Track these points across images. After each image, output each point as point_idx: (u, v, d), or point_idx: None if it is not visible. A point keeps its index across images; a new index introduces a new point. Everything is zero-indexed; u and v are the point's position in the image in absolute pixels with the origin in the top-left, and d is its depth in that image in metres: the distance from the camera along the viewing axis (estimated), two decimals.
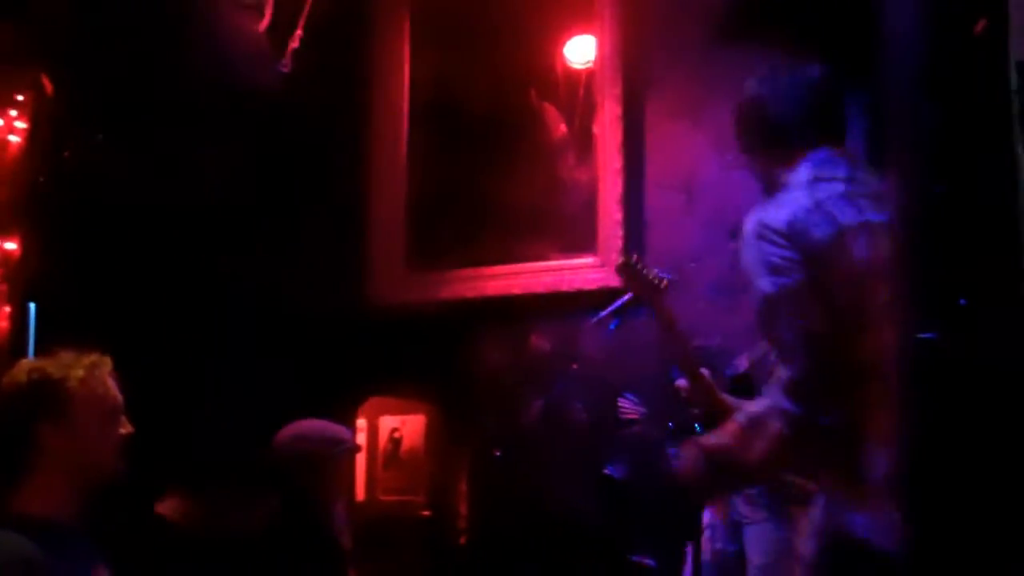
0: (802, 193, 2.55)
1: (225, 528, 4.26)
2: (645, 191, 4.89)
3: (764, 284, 2.47)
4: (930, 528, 2.17)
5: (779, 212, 2.52)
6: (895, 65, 2.24)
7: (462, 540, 5.01)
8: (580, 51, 5.17)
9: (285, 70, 5.14)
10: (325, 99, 5.38)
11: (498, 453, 4.96)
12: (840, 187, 2.55)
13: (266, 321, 5.00)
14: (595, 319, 4.25)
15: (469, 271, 5.19)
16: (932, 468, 2.12)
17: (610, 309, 4.20)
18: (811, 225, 2.47)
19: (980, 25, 2.14)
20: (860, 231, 2.47)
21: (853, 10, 3.20)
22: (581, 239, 4.99)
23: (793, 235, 2.46)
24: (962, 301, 2.15)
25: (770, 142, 2.73)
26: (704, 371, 3.97)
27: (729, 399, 3.88)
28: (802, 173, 2.61)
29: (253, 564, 3.52)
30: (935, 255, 2.18)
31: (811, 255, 2.45)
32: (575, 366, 4.78)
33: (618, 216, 4.84)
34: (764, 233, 2.50)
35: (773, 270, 2.47)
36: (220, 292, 4.91)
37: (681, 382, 4.00)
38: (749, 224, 2.55)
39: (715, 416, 3.70)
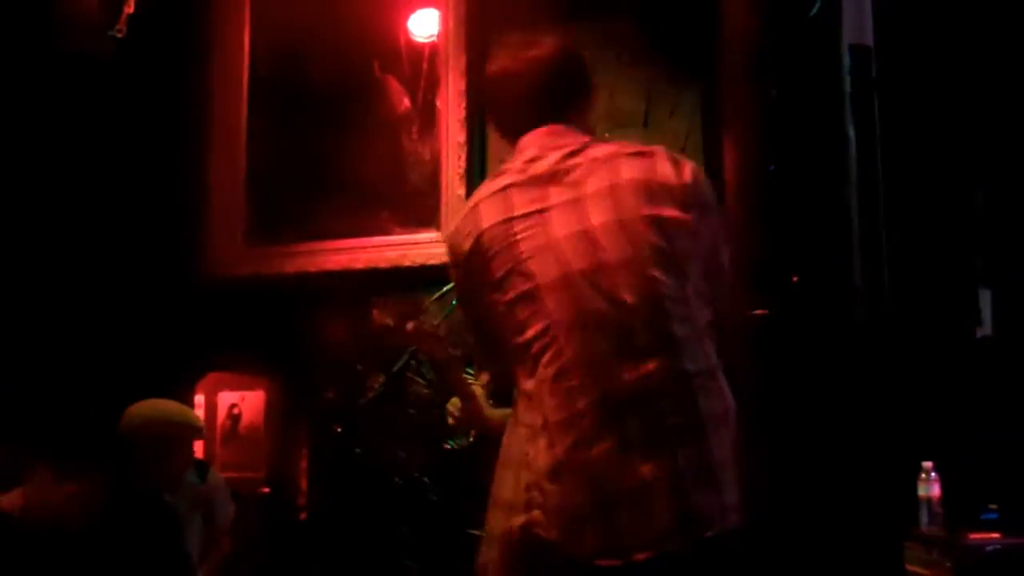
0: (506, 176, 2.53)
1: (61, 515, 4.14)
2: (488, 166, 4.89)
3: None
4: (766, 496, 2.21)
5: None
6: (732, 45, 2.27)
7: (302, 516, 4.96)
8: (424, 24, 5.13)
9: (119, 35, 4.98)
10: (161, 67, 5.26)
11: (339, 429, 4.93)
12: (542, 168, 2.50)
13: (99, 294, 4.87)
14: (438, 294, 4.23)
15: (310, 245, 5.13)
16: (765, 439, 2.17)
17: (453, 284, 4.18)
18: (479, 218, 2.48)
19: (815, 7, 2.18)
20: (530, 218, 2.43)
21: None
22: (424, 214, 4.97)
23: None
24: (794, 277, 2.20)
25: (500, 120, 2.69)
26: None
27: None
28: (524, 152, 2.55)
29: (91, 551, 3.43)
30: (768, 232, 2.22)
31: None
32: (417, 341, 4.76)
33: (461, 191, 4.84)
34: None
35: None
36: (51, 266, 4.77)
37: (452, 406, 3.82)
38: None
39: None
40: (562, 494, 2.13)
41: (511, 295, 2.30)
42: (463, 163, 4.88)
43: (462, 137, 4.90)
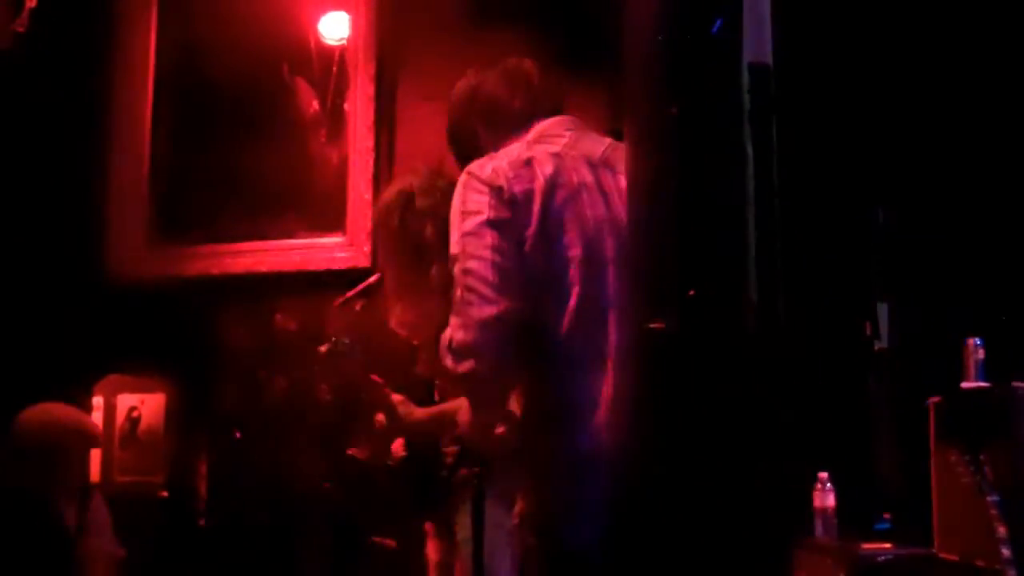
0: (518, 146, 2.63)
1: None
2: (395, 172, 4.89)
3: (455, 237, 2.54)
4: (654, 510, 2.24)
5: (488, 164, 2.59)
6: (633, 61, 2.29)
7: (201, 522, 4.91)
8: (334, 27, 5.11)
9: (20, 30, 4.89)
10: (64, 64, 5.17)
11: (239, 434, 4.88)
12: (556, 147, 2.63)
13: None
14: (343, 299, 4.21)
15: (214, 247, 5.09)
16: (657, 459, 2.19)
17: (358, 289, 4.17)
18: (514, 178, 2.54)
19: (716, 25, 2.20)
20: (564, 188, 2.54)
21: (601, 2, 3.28)
22: (330, 218, 4.96)
23: (494, 184, 2.53)
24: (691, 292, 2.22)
25: (498, 123, 2.77)
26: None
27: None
28: (529, 135, 2.69)
29: None
30: (666, 247, 2.25)
31: (509, 202, 2.51)
32: (321, 347, 4.74)
33: (368, 196, 4.83)
34: (469, 181, 2.56)
35: (467, 213, 2.53)
36: None
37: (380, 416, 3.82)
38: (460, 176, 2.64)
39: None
40: None
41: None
42: (370, 168, 4.88)
43: (370, 142, 4.89)
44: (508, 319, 2.44)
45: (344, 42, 5.06)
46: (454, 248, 2.58)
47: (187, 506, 4.95)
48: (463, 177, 2.62)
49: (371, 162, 4.88)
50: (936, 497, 4.05)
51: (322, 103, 5.08)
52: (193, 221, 5.18)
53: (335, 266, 4.80)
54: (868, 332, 4.85)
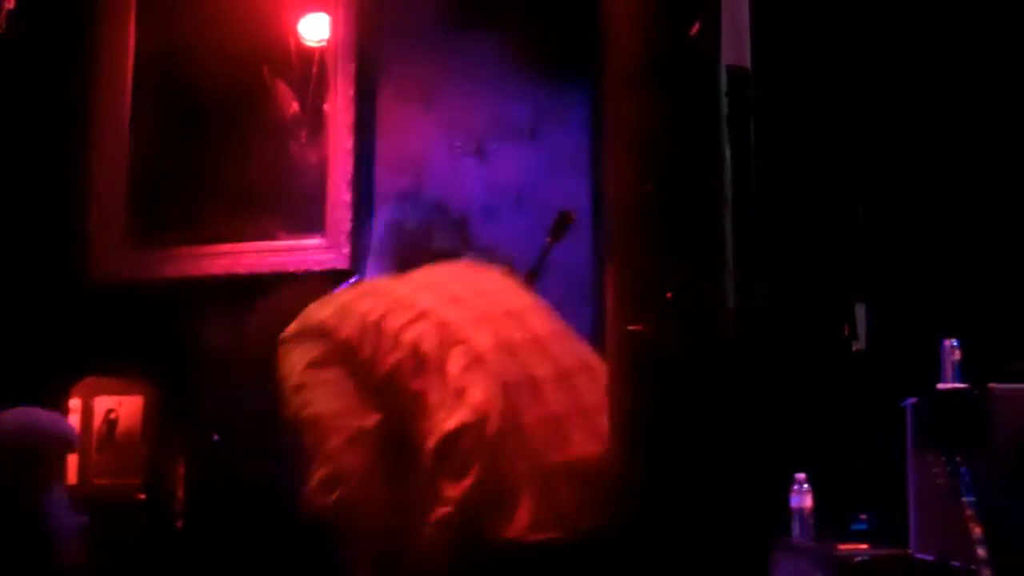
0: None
1: None
2: (375, 173, 4.89)
3: None
4: (640, 508, 2.25)
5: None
6: (614, 64, 2.30)
7: (178, 524, 4.89)
8: (314, 28, 5.11)
9: None
10: (43, 65, 5.16)
11: (217, 437, 4.87)
12: None
13: None
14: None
15: (193, 249, 5.08)
16: (639, 456, 2.20)
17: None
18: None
19: (695, 29, 2.22)
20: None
21: (579, 4, 3.29)
22: (309, 219, 4.95)
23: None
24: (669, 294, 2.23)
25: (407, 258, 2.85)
26: None
27: None
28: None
29: None
30: (645, 249, 2.26)
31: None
32: None
33: (347, 197, 4.83)
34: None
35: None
36: None
37: None
38: None
39: None
40: None
41: None
42: (350, 169, 4.87)
43: (350, 143, 4.89)
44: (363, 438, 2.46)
45: (324, 43, 5.07)
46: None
47: (165, 508, 4.94)
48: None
49: (351, 164, 4.88)
50: (912, 498, 4.09)
51: (302, 104, 5.08)
52: (173, 223, 5.17)
53: (314, 267, 4.79)
54: (846, 333, 4.88)
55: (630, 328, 2.24)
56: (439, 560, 2.38)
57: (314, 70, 5.06)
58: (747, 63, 2.28)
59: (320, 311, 2.62)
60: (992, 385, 3.88)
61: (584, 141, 4.55)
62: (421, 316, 2.50)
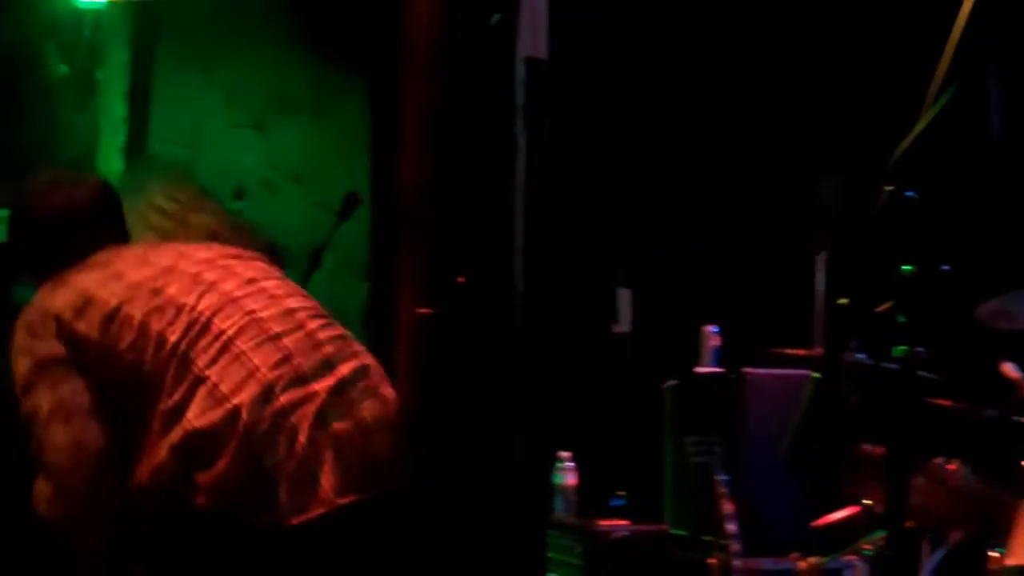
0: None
1: None
2: (148, 143, 4.77)
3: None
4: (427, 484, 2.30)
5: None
6: (413, 48, 2.33)
7: None
8: None
9: None
10: None
11: None
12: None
13: None
14: None
15: None
16: (430, 440, 2.25)
17: None
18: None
19: (494, 19, 2.26)
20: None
21: None
22: None
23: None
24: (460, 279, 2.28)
25: (52, 252, 2.60)
26: None
27: None
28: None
29: None
30: (438, 233, 2.30)
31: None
32: None
33: (118, 167, 4.70)
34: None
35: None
36: None
37: None
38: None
39: None
40: None
41: None
42: (122, 138, 4.74)
43: (123, 111, 4.76)
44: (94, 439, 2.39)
45: (99, 5, 4.89)
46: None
47: None
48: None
49: (123, 132, 4.75)
50: (669, 476, 4.28)
51: (72, 68, 4.90)
52: None
53: None
54: (610, 317, 5.05)
55: (420, 311, 2.28)
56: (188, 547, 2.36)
57: (86, 33, 4.89)
58: (544, 55, 2.34)
59: (55, 298, 2.46)
60: (746, 370, 4.09)
61: (366, 120, 4.55)
62: (167, 304, 2.43)
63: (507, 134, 2.34)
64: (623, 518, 4.40)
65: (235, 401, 2.32)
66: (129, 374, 2.38)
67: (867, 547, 3.01)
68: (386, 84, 4.07)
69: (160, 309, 2.40)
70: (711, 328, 4.35)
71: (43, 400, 2.39)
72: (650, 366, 4.70)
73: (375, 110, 4.53)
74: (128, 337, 2.38)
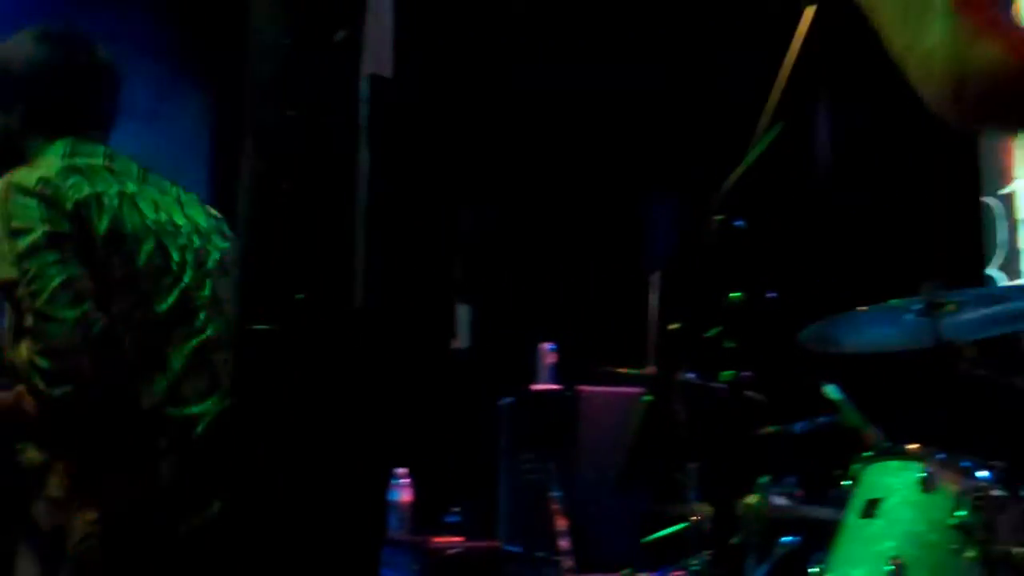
0: (57, 159, 2.41)
1: None
2: None
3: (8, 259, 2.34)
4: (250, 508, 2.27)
5: (31, 173, 2.34)
6: (257, 61, 2.31)
7: None
8: None
9: None
10: None
11: None
12: (98, 162, 2.46)
13: None
14: None
15: None
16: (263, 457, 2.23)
17: None
18: (67, 185, 2.32)
19: (340, 35, 2.26)
20: (119, 200, 2.40)
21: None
22: None
23: (46, 194, 2.33)
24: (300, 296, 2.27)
25: (31, 117, 2.52)
26: None
27: None
28: (59, 147, 2.46)
29: None
30: (276, 252, 2.28)
31: (67, 213, 2.34)
32: None
33: None
34: (10, 194, 2.34)
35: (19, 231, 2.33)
36: None
37: None
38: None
39: None
40: None
41: None
42: None
43: None
44: (94, 335, 2.32)
45: None
46: (9, 272, 2.34)
47: None
48: (4, 188, 2.36)
49: None
50: (504, 492, 4.31)
51: None
52: None
53: None
54: (448, 332, 5.07)
55: (256, 327, 2.26)
56: None
57: None
58: (389, 72, 2.35)
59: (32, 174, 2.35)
60: (581, 387, 4.15)
61: (207, 131, 4.48)
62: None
63: (349, 153, 2.34)
64: (457, 535, 4.41)
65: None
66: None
67: (694, 563, 3.08)
68: (230, 96, 4.03)
69: None
70: (548, 345, 4.41)
71: (53, 273, 2.29)
72: (487, 382, 4.73)
73: (218, 121, 4.46)
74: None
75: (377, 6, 2.36)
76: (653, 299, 4.23)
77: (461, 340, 5.14)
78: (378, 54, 2.34)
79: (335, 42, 2.29)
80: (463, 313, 5.14)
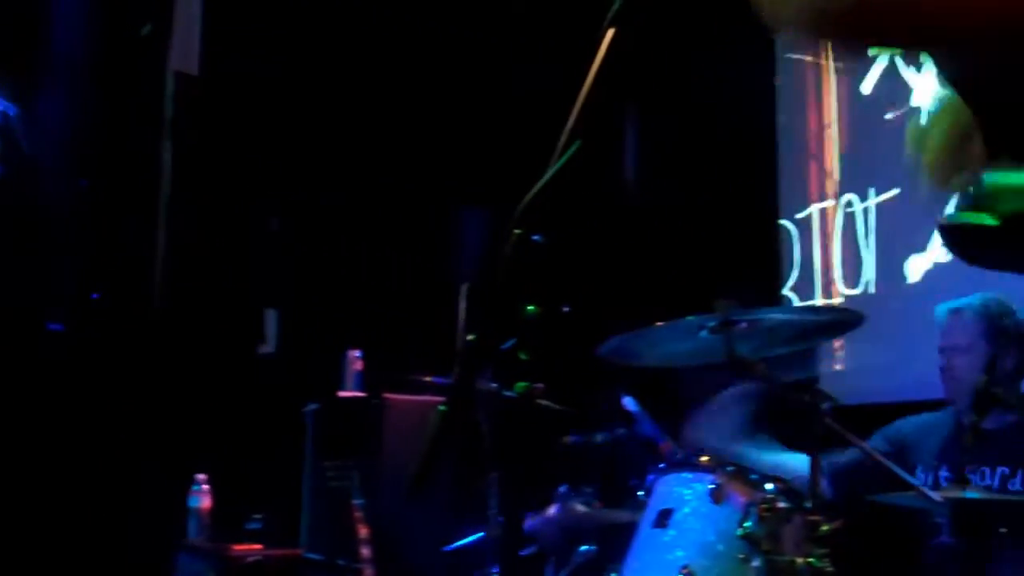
0: None
1: None
2: None
3: None
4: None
5: None
6: (56, 54, 2.25)
7: None
8: None
9: None
10: None
11: None
12: None
13: None
14: None
15: None
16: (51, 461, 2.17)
17: None
18: None
19: (145, 30, 2.22)
20: None
21: None
22: None
23: None
24: (95, 295, 2.22)
25: None
26: None
27: None
28: None
29: None
30: (71, 246, 2.23)
31: None
32: None
33: None
34: None
35: None
36: None
37: None
38: None
39: None
40: None
41: None
42: None
43: None
44: None
45: None
46: None
47: None
48: None
49: None
50: (306, 499, 4.25)
51: None
52: None
53: None
54: (255, 337, 4.98)
55: (49, 327, 2.21)
56: None
57: None
58: (196, 70, 2.32)
59: None
60: (387, 395, 4.13)
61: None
62: None
63: (152, 148, 2.30)
64: (258, 542, 4.33)
65: None
66: None
67: (494, 572, 3.10)
68: (31, 91, 3.89)
69: None
70: (355, 352, 4.37)
71: None
72: (293, 388, 4.67)
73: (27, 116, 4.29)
74: None
75: (185, 2, 2.33)
76: (461, 310, 4.24)
77: (268, 345, 5.07)
78: (184, 50, 2.30)
79: (141, 36, 2.25)
80: (270, 318, 5.07)
